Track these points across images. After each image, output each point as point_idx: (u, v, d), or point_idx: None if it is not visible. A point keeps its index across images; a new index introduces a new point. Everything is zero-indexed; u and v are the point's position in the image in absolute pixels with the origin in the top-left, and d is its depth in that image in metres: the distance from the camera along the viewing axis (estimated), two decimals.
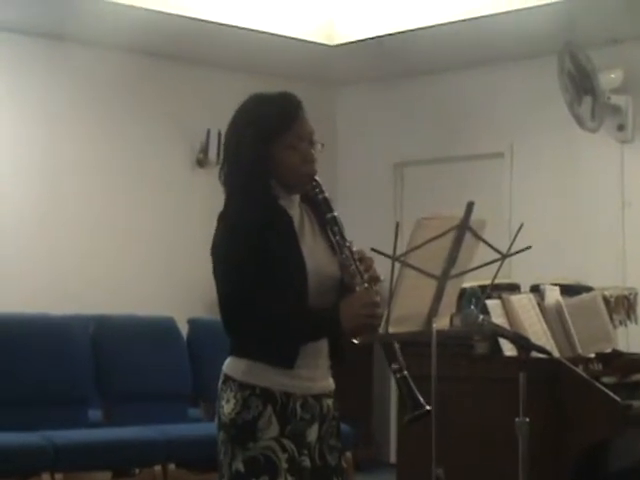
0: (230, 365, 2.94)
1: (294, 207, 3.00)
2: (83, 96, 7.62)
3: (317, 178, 2.98)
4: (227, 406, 2.90)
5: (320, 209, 2.99)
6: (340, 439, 3.03)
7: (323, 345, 2.97)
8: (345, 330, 2.85)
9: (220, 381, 2.95)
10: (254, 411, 2.86)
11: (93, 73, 7.64)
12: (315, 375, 2.95)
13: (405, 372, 2.87)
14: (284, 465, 2.85)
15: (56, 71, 7.53)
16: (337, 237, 2.94)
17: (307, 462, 2.90)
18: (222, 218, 2.93)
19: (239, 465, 2.86)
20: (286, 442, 2.86)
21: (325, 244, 2.99)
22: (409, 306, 3.11)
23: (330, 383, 3.03)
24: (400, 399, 2.93)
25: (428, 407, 2.87)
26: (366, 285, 2.88)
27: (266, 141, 2.92)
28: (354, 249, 2.93)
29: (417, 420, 2.88)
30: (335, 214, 2.96)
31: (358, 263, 2.91)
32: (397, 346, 2.92)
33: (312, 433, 2.93)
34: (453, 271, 3.11)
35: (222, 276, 2.89)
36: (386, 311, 2.98)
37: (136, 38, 7.34)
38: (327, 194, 2.98)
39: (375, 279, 2.92)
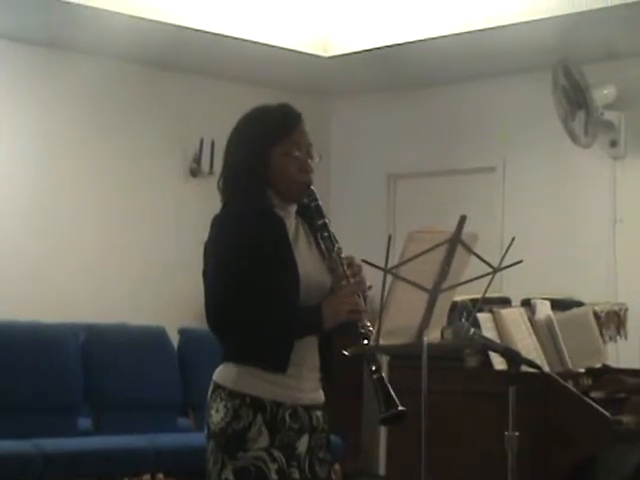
0: (220, 373, 2.94)
1: (290, 217, 3.02)
2: (76, 104, 7.61)
3: (313, 188, 3.00)
4: (216, 415, 2.90)
5: (313, 218, 3.01)
6: (330, 452, 3.03)
7: (314, 357, 2.98)
8: (328, 325, 2.87)
9: (210, 390, 2.95)
10: (245, 421, 2.86)
11: (87, 81, 7.63)
12: (304, 386, 2.95)
13: (382, 373, 2.88)
14: (274, 476, 2.85)
15: (52, 79, 7.53)
16: (327, 242, 2.96)
17: (296, 474, 2.90)
18: (216, 221, 2.94)
19: (229, 475, 2.86)
20: (276, 453, 2.86)
21: (318, 256, 3.01)
22: (400, 319, 3.11)
23: (320, 395, 3.03)
24: (375, 399, 2.93)
25: (402, 407, 2.86)
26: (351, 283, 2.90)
27: (264, 147, 2.95)
28: (343, 255, 2.95)
29: (391, 420, 2.88)
30: (326, 220, 2.99)
31: (346, 267, 2.92)
32: None
33: (302, 445, 2.93)
34: (445, 284, 3.12)
35: (211, 277, 2.89)
36: (377, 323, 2.98)
37: (130, 47, 7.34)
38: (321, 202, 3.00)
39: (361, 284, 2.93)
